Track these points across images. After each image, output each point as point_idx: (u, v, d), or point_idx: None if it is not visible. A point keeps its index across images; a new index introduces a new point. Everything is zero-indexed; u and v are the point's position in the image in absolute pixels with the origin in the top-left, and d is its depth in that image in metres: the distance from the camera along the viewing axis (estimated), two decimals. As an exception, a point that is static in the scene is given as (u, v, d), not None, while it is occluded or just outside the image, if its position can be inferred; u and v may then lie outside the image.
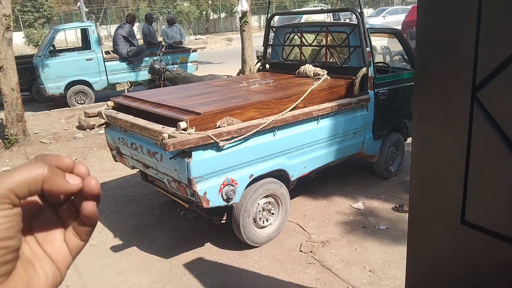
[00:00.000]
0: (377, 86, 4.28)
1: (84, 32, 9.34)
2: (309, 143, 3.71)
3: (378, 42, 7.50)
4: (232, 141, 3.07)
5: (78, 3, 19.30)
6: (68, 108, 8.60)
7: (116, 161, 4.05)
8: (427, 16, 1.07)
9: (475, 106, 1.01)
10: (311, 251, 3.49)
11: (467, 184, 1.07)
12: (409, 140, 5.34)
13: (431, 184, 1.17)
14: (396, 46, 8.64)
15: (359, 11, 4.06)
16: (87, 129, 7.26)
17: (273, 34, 5.21)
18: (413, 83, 4.68)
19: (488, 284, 1.07)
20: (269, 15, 5.15)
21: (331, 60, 4.71)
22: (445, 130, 1.09)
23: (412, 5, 23.17)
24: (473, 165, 1.05)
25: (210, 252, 3.55)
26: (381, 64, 5.25)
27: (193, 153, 2.92)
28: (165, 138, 2.85)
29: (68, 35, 22.78)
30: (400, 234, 3.70)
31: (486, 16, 0.95)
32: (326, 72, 4.28)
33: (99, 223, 4.12)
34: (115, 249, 3.67)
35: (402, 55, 5.24)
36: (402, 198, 4.37)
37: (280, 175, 3.65)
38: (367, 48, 4.11)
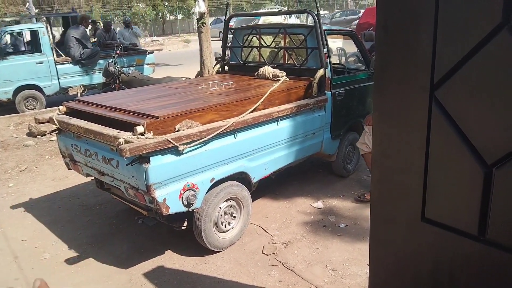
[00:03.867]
0: (334, 87, 4.35)
1: (34, 34, 8.89)
2: (270, 145, 3.70)
3: (334, 44, 7.65)
4: (192, 144, 3.00)
5: (27, 4, 18.37)
6: (17, 114, 8.15)
7: (69, 169, 3.87)
8: (386, 16, 1.08)
9: (433, 104, 1.03)
10: (273, 253, 3.48)
11: (427, 181, 1.08)
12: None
13: (392, 182, 1.18)
14: (350, 48, 8.88)
15: (316, 13, 4.10)
16: (37, 136, 6.92)
17: (232, 35, 5.17)
18: (368, 83, 4.85)
19: (450, 279, 1.09)
20: (227, 17, 5.12)
21: (289, 62, 4.74)
22: (404, 128, 1.10)
23: (365, 8, 23.90)
24: (432, 163, 1.06)
25: (171, 260, 3.46)
26: (337, 65, 5.35)
27: (151, 158, 2.83)
28: (121, 143, 2.74)
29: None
30: (359, 231, 3.77)
31: (443, 16, 0.97)
32: (285, 73, 4.30)
33: (52, 235, 3.92)
34: (70, 261, 3.49)
35: (358, 56, 5.36)
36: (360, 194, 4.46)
37: (241, 177, 3.62)
38: (324, 50, 4.17)
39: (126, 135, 2.85)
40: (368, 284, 1.34)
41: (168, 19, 37.69)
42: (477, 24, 0.92)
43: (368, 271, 3.16)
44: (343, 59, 9.24)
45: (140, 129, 2.84)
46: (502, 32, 0.88)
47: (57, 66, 8.73)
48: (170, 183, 2.97)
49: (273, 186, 4.62)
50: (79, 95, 8.55)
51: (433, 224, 1.09)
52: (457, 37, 0.96)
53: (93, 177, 3.69)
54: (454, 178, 1.03)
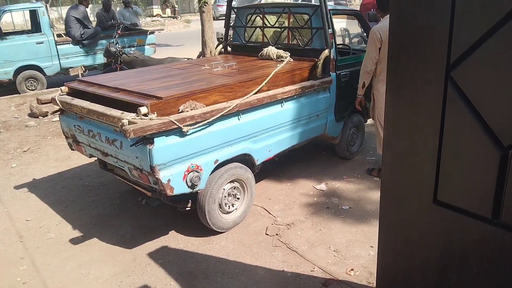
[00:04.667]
0: (339, 68, 4.30)
1: (34, 14, 8.77)
2: (274, 127, 3.68)
3: (337, 24, 7.54)
4: (196, 126, 2.98)
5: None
6: (18, 95, 8.10)
7: (72, 149, 3.86)
8: (400, -5, 1.04)
9: (449, 85, 1.00)
10: (277, 234, 3.50)
11: (440, 164, 1.07)
12: (369, 121, 5.45)
13: (404, 164, 1.16)
14: (354, 28, 8.74)
15: (321, -8, 4.02)
16: (39, 117, 6.89)
17: (235, 15, 5.09)
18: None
19: (461, 261, 1.08)
20: (230, -4, 5.02)
21: (293, 42, 4.67)
22: (418, 109, 1.08)
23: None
24: (446, 145, 1.04)
25: (175, 240, 3.48)
26: (341, 46, 5.27)
27: (155, 139, 2.82)
28: (125, 124, 2.72)
29: (15, 17, 21.35)
30: (362, 213, 3.78)
31: (460, -6, 0.93)
32: (289, 54, 4.25)
33: (56, 215, 3.94)
34: (74, 241, 3.51)
35: (363, 36, 5.28)
36: (363, 178, 4.46)
37: (245, 159, 3.61)
38: (329, 30, 4.10)
39: (130, 116, 2.82)
40: (377, 265, 1.34)
41: (168, -2, 37.08)
42: (496, 3, 0.89)
43: (371, 253, 3.20)
44: (346, 40, 9.14)
45: (143, 110, 2.81)
46: (523, 10, 0.85)
47: (57, 46, 8.63)
48: (174, 164, 2.96)
49: (277, 168, 4.62)
50: (80, 75, 8.49)
51: (445, 207, 1.08)
52: (475, 16, 0.93)
53: (96, 158, 3.68)
54: (468, 160, 1.01)
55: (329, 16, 4.10)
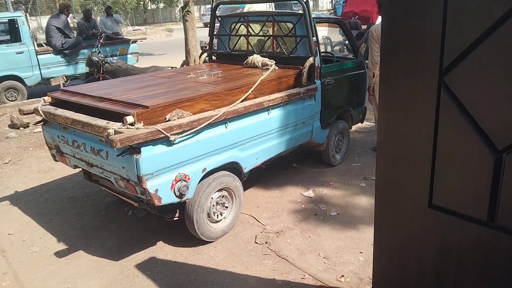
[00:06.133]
0: (323, 75, 4.34)
1: (13, 23, 8.62)
2: (261, 134, 3.68)
3: (319, 32, 7.64)
4: (183, 134, 2.96)
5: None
6: (-3, 105, 7.93)
7: (56, 160, 3.78)
8: (393, 3, 1.06)
9: (442, 90, 1.01)
10: (266, 242, 3.48)
11: (435, 168, 1.08)
12: (353, 127, 5.51)
13: (398, 169, 1.17)
14: (335, 36, 8.85)
15: (305, 0, 4.06)
16: (20, 128, 6.74)
17: (218, 23, 5.10)
18: (356, 72, 4.85)
19: (457, 265, 1.09)
20: (214, 4, 5.04)
21: (278, 50, 4.70)
22: (412, 115, 1.09)
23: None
24: (440, 149, 1.05)
25: (163, 250, 3.43)
26: (325, 54, 5.33)
27: (142, 149, 2.78)
28: (111, 134, 2.68)
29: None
30: (350, 219, 3.80)
31: (452, 1, 0.95)
32: (274, 62, 4.27)
33: (40, 228, 3.84)
34: (60, 254, 3.43)
35: (346, 44, 5.36)
36: (350, 184, 4.49)
37: (233, 167, 3.59)
38: (313, 38, 4.14)
39: (116, 125, 2.78)
40: (372, 270, 1.34)
41: (149, 7, 37.03)
42: (489, 9, 0.91)
43: (360, 259, 3.21)
44: (328, 48, 9.25)
45: (130, 119, 2.78)
46: (515, 16, 0.87)
47: (38, 56, 8.49)
48: (162, 173, 2.93)
49: (264, 176, 4.61)
50: (61, 85, 8.37)
51: (441, 211, 1.09)
52: (468, 21, 0.94)
53: (80, 169, 3.61)
54: (463, 164, 1.02)
55: (313, 24, 4.14)
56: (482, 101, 0.96)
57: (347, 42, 5.20)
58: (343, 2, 23.68)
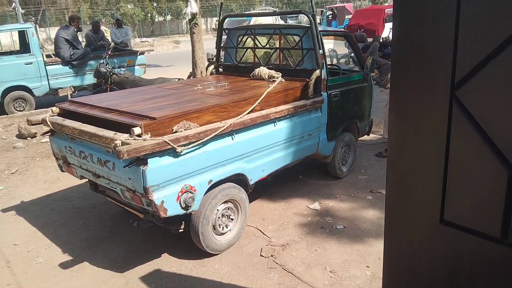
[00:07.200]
0: (329, 88, 4.34)
1: (23, 35, 8.75)
2: (267, 146, 3.67)
3: (324, 45, 7.67)
4: (190, 146, 2.96)
5: (13, 4, 18.04)
6: (6, 115, 8.00)
7: (62, 171, 3.79)
8: (403, 16, 1.06)
9: (454, 104, 1.01)
10: (272, 255, 3.45)
11: (446, 183, 1.06)
12: (360, 139, 5.48)
13: (409, 184, 1.16)
14: (341, 49, 8.88)
15: (311, 13, 4.09)
16: (28, 138, 6.79)
17: (226, 36, 5.14)
18: (363, 85, 4.85)
19: (469, 283, 1.07)
20: (221, 17, 5.08)
21: (284, 63, 4.71)
22: (423, 129, 1.07)
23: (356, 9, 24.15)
24: (452, 165, 1.04)
25: (167, 263, 3.41)
26: (331, 66, 5.34)
27: (149, 160, 2.78)
28: (118, 145, 2.68)
29: (3, 38, 21.24)
30: (357, 233, 3.76)
31: (465, 14, 0.95)
32: (281, 74, 4.28)
33: (45, 238, 3.84)
34: (64, 265, 3.41)
35: (352, 57, 5.36)
36: (356, 197, 4.45)
37: (238, 179, 3.58)
38: (320, 51, 4.15)
39: (123, 136, 2.79)
40: (382, 285, 1.31)
41: (156, 20, 37.46)
42: (502, 23, 0.90)
43: (367, 273, 3.16)
44: (334, 60, 9.28)
45: (137, 130, 2.79)
46: (528, 30, 0.87)
47: (46, 67, 8.59)
48: (168, 185, 2.92)
49: (269, 188, 4.59)
50: (69, 96, 8.44)
51: (453, 227, 1.07)
52: (481, 35, 0.94)
53: (87, 180, 3.62)
54: (476, 180, 1.01)
55: (319, 37, 4.16)
56: (495, 116, 0.95)
57: (353, 54, 5.21)
58: (325, 17, 23.98)
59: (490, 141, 0.96)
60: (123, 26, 10.54)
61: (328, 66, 4.75)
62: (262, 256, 3.45)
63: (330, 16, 24.45)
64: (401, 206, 1.18)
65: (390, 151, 1.19)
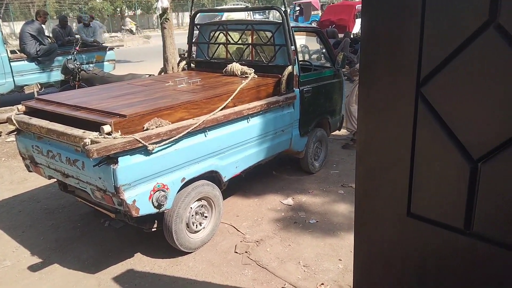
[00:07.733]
0: (302, 84, 4.38)
1: (-15, 30, 8.39)
2: (240, 143, 3.67)
3: (297, 41, 7.72)
4: (161, 144, 2.93)
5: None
6: (-33, 114, 7.66)
7: (30, 171, 3.67)
8: (371, 12, 1.07)
9: (420, 100, 1.03)
10: (246, 252, 3.46)
11: (413, 177, 1.09)
12: (331, 135, 5.55)
13: (377, 178, 1.18)
14: (313, 45, 8.96)
15: (283, 9, 4.10)
16: (-9, 137, 6.54)
17: (197, 31, 5.09)
18: (334, 80, 4.91)
19: (436, 273, 1.11)
20: (193, 12, 5.03)
21: (257, 59, 4.72)
22: (390, 124, 1.10)
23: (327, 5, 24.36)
24: (418, 159, 1.07)
25: (141, 262, 3.37)
26: (303, 63, 5.38)
27: (119, 158, 2.73)
28: (87, 143, 2.62)
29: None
30: (329, 227, 3.82)
31: (430, 12, 0.97)
32: (253, 70, 4.28)
33: (13, 241, 3.72)
34: (33, 268, 3.32)
35: (324, 53, 5.42)
36: (328, 191, 4.52)
37: (212, 176, 3.57)
38: (292, 47, 4.18)
39: (92, 135, 2.73)
40: (353, 280, 1.34)
41: (126, 14, 36.68)
42: (464, 21, 0.93)
43: (340, 266, 3.22)
44: (306, 56, 9.35)
45: (107, 128, 2.73)
46: (489, 29, 0.90)
47: (11, 63, 8.27)
48: (140, 184, 2.88)
49: (243, 184, 4.60)
50: (35, 93, 8.17)
51: (419, 219, 1.11)
52: (444, 34, 0.97)
53: (55, 180, 3.52)
54: (440, 174, 1.04)
55: (291, 33, 4.18)
56: (458, 112, 0.98)
57: (324, 50, 5.26)
58: (293, 13, 24.17)
59: (454, 136, 0.99)
60: (90, 24, 10.21)
61: (300, 62, 4.79)
62: (236, 252, 3.45)
63: (298, 12, 24.59)
64: (370, 200, 1.21)
65: (359, 147, 1.21)
